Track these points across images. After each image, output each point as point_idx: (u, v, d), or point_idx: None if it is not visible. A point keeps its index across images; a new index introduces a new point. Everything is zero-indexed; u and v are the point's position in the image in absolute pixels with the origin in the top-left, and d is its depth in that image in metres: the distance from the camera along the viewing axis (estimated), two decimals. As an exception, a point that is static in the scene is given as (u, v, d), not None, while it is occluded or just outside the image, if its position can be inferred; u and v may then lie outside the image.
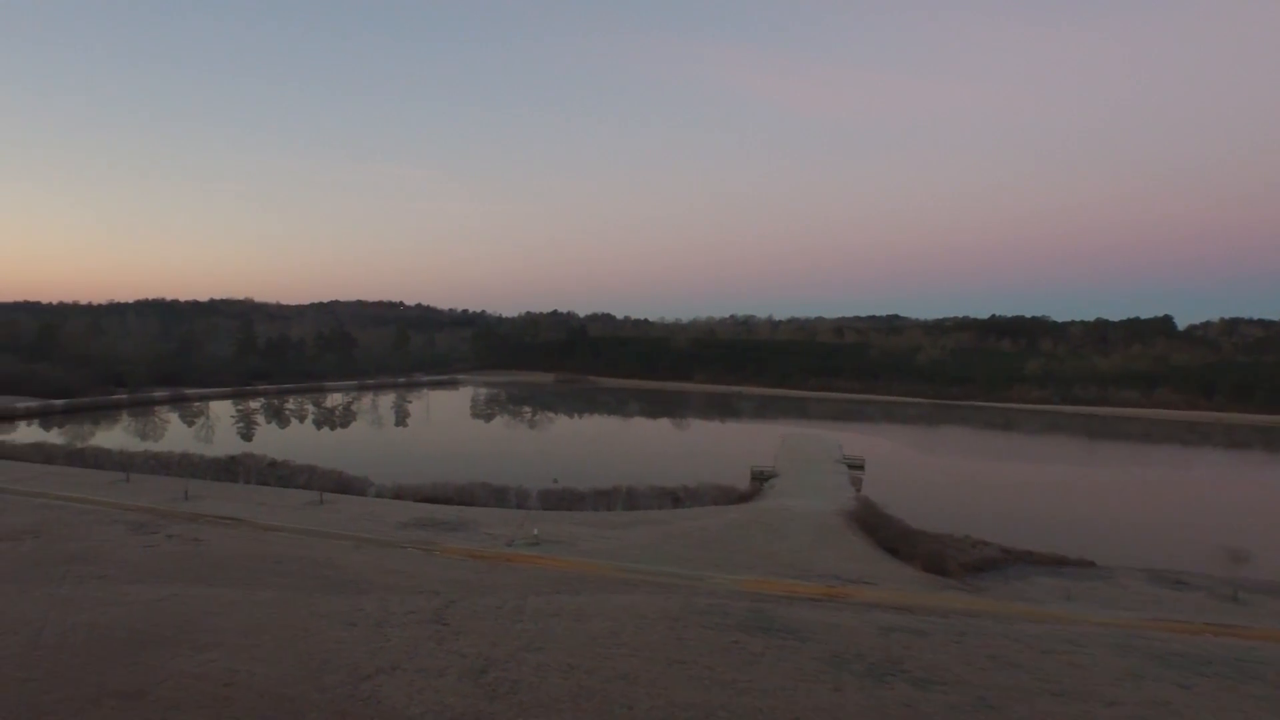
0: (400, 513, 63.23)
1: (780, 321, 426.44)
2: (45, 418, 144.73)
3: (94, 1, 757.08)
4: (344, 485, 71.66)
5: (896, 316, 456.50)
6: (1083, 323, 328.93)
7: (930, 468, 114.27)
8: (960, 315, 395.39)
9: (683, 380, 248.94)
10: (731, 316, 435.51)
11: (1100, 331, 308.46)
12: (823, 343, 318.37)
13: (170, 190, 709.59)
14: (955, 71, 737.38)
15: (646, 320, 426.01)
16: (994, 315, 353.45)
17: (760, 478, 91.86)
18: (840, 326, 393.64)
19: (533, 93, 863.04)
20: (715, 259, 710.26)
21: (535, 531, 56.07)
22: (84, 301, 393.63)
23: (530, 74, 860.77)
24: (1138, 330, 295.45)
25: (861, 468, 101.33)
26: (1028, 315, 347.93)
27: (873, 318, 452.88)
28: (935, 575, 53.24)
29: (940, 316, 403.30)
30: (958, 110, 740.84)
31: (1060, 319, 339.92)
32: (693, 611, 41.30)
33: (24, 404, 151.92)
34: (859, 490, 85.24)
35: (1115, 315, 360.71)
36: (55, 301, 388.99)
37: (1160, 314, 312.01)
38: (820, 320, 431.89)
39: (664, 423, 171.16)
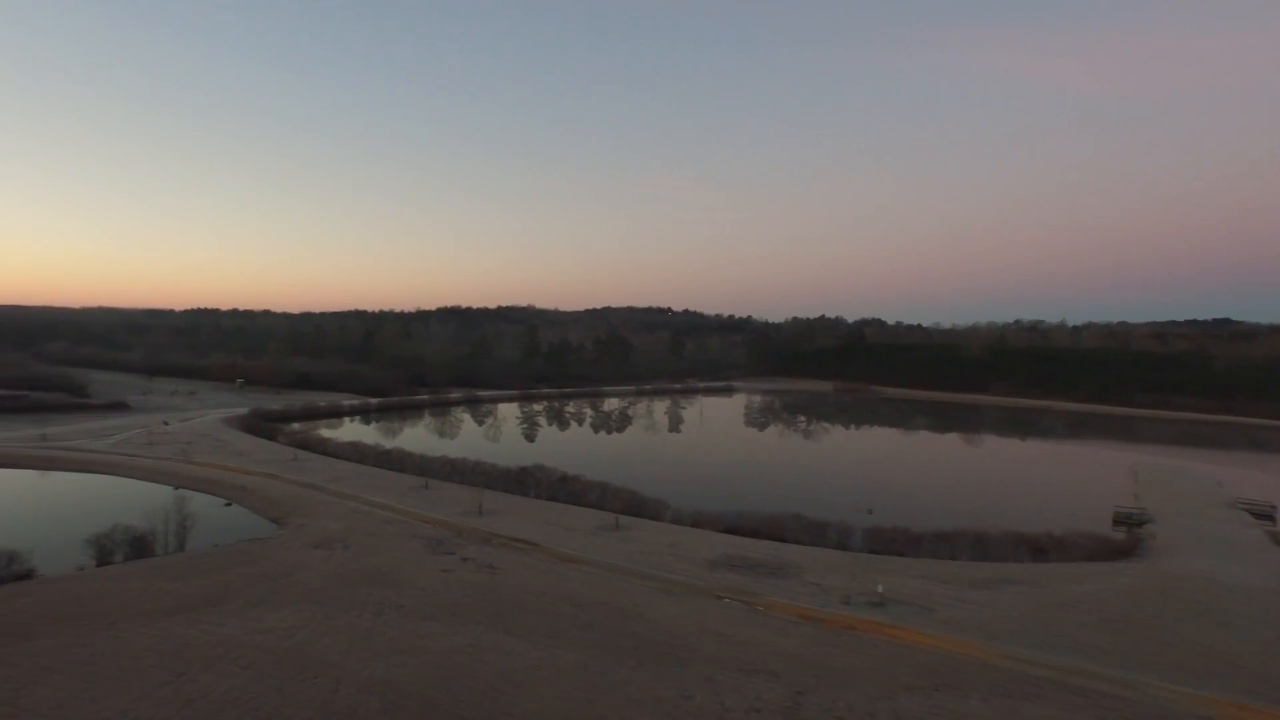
0: (705, 546, 54.69)
1: (1079, 327, 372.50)
2: (364, 414, 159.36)
3: (415, 44, 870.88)
4: (637, 506, 65.03)
5: (1228, 320, 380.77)
6: None
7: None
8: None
9: (976, 392, 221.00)
10: (1017, 321, 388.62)
11: None
12: (1146, 352, 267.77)
13: (464, 207, 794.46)
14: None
15: (920, 326, 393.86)
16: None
17: (1128, 522, 72.40)
18: (1161, 332, 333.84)
19: (793, 95, 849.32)
20: (994, 259, 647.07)
21: (879, 589, 44.40)
22: (398, 309, 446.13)
23: (790, 77, 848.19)
24: None
25: (1272, 518, 77.10)
26: None
27: (1193, 322, 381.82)
28: None
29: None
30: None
31: None
32: (1169, 760, 27.54)
33: (348, 401, 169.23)
34: (1287, 551, 63.04)
35: None
36: (377, 309, 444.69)
37: None
38: (1124, 325, 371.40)
39: (970, 442, 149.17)
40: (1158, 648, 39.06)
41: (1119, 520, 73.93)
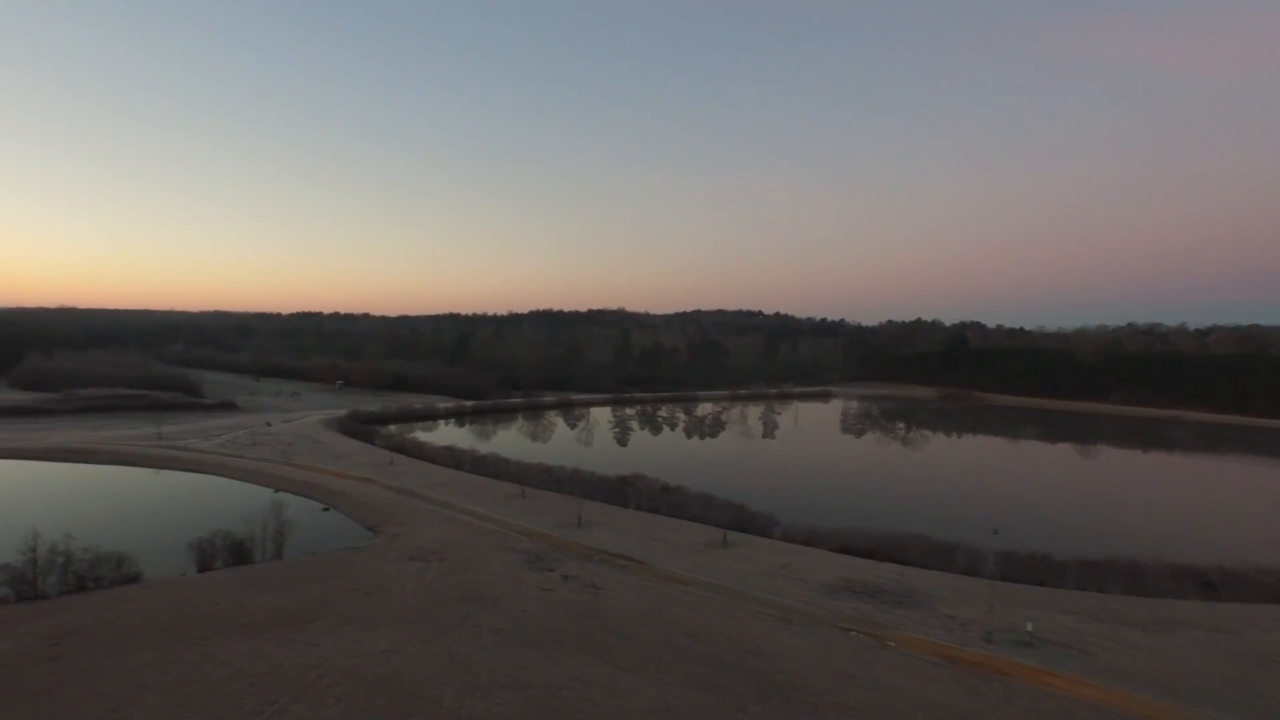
0: (822, 568, 50.23)
1: (1204, 330, 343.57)
2: (458, 417, 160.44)
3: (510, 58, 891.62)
4: (744, 521, 61.09)
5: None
6: None
7: None
8: None
9: (1092, 400, 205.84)
10: (1130, 324, 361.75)
11: None
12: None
13: (554, 211, 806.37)
14: None
15: (1023, 329, 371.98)
16: None
17: (1305, 553, 63.59)
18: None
19: (895, 93, 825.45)
20: (1100, 258, 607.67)
21: (1028, 626, 39.10)
22: (491, 312, 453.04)
23: (894, 74, 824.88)
24: None
25: None
26: None
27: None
28: None
29: None
30: None
31: None
32: None
33: (443, 404, 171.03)
34: None
35: None
36: (470, 313, 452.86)
37: None
38: (1256, 328, 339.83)
39: (1093, 455, 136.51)
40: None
41: (1292, 549, 65.30)
